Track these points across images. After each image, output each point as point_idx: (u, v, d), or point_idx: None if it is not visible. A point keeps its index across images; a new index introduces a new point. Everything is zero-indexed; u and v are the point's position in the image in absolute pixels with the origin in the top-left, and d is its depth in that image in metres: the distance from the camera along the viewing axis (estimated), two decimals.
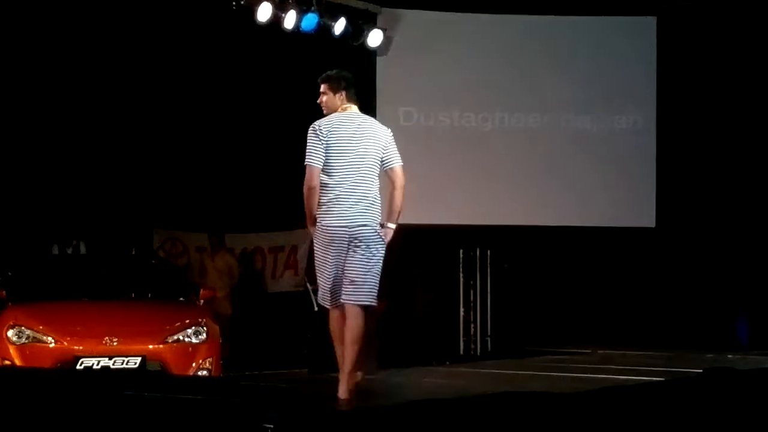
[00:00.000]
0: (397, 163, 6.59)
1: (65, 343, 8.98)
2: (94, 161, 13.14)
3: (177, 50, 13.05)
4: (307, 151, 6.41)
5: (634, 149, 13.62)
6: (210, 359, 9.31)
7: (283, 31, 12.39)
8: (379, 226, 6.48)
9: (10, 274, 10.24)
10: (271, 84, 13.43)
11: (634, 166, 13.61)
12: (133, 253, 13.00)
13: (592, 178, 13.56)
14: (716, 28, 13.20)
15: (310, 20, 12.39)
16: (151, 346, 9.13)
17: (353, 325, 6.36)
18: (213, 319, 9.80)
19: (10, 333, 9.02)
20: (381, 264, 6.49)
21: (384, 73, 13.40)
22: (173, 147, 13.59)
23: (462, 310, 13.80)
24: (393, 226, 6.56)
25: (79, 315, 9.49)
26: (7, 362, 8.93)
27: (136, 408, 5.74)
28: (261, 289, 13.93)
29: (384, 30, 13.14)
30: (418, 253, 13.31)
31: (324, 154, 6.37)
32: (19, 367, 8.86)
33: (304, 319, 12.28)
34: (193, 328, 9.35)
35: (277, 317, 13.48)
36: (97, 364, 8.83)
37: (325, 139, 6.38)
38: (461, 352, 13.65)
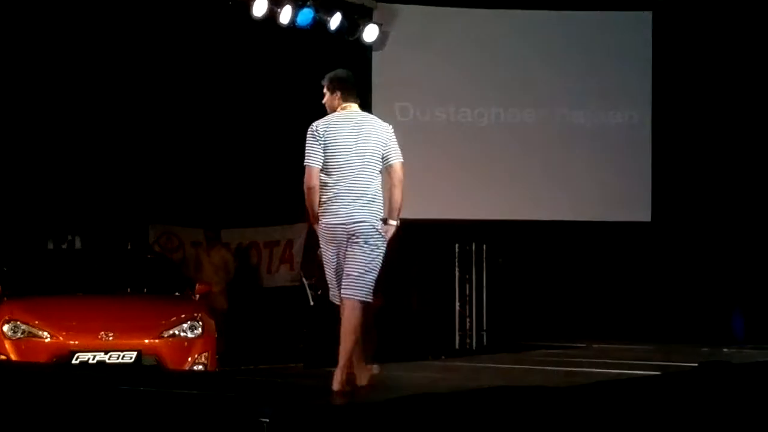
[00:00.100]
0: (395, 159, 6.58)
1: (61, 338, 8.98)
2: (89, 156, 13.13)
3: (173, 46, 13.05)
4: (305, 152, 6.44)
5: (630, 144, 13.63)
6: (206, 354, 9.30)
7: (279, 26, 12.40)
8: (379, 222, 6.48)
9: (5, 269, 10.27)
10: (266, 79, 13.43)
11: (629, 161, 13.63)
12: (129, 247, 12.99)
13: (588, 173, 13.57)
14: (712, 23, 13.22)
15: (306, 15, 12.41)
16: (146, 341, 9.12)
17: (347, 316, 6.37)
18: (208, 313, 9.80)
19: (6, 328, 9.02)
20: (380, 260, 6.48)
21: (380, 68, 13.41)
22: (169, 142, 13.59)
23: (458, 304, 13.80)
24: (394, 223, 6.57)
25: (74, 310, 9.49)
26: (3, 357, 8.93)
27: (132, 403, 5.75)
28: (256, 284, 13.94)
29: (380, 25, 13.15)
30: (414, 248, 13.29)
31: (321, 154, 6.40)
32: (15, 362, 8.85)
33: (300, 314, 12.30)
34: (189, 322, 9.34)
35: (272, 312, 13.49)
36: (93, 359, 8.82)
37: (322, 139, 6.41)
38: (457, 347, 13.65)
